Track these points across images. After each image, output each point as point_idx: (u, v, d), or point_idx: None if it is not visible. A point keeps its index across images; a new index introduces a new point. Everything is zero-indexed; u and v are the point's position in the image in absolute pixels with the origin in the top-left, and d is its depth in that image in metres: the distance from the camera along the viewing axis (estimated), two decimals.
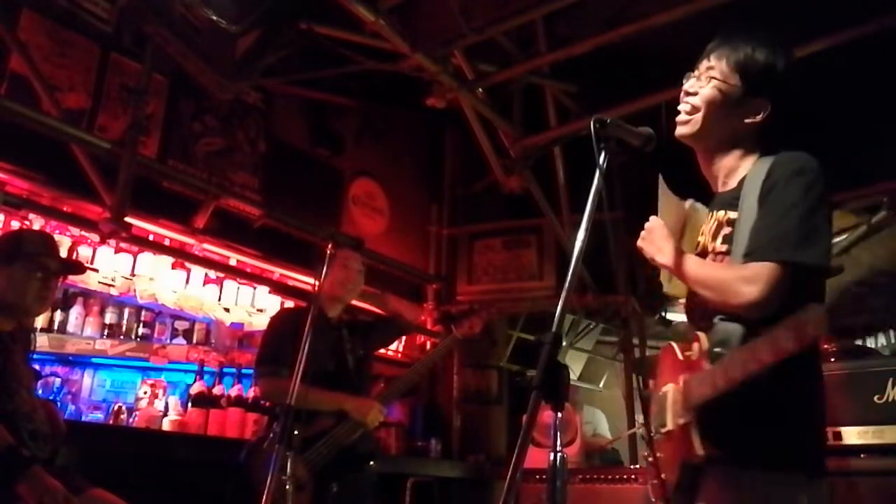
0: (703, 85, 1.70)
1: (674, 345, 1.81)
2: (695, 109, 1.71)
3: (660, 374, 1.84)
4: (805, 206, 1.50)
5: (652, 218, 1.76)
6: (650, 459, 1.76)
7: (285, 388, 2.29)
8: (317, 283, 2.58)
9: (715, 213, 1.73)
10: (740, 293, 1.49)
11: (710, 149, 1.75)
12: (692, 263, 1.65)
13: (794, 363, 1.40)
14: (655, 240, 1.71)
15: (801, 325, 1.32)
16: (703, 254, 1.73)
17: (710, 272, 1.60)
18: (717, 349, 1.55)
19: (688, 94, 1.73)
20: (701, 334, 1.61)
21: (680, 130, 1.75)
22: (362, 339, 3.35)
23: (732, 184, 1.70)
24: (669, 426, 1.65)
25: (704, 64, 1.72)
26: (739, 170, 1.70)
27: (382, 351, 5.23)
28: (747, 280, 1.48)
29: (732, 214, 1.65)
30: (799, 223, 1.48)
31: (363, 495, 3.05)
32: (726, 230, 1.66)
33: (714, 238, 1.69)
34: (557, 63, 4.53)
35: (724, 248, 1.64)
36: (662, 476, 1.68)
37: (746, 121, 1.68)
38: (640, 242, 1.75)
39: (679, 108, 1.75)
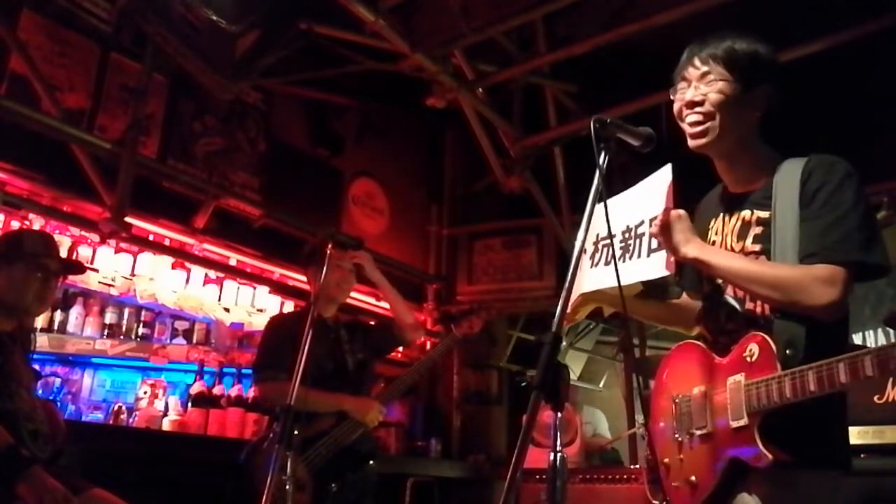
0: (706, 91, 1.66)
1: (699, 343, 1.78)
2: (708, 116, 1.67)
3: (679, 374, 1.80)
4: (861, 208, 1.53)
5: (676, 210, 1.67)
6: (653, 460, 1.75)
7: (285, 390, 2.28)
8: (317, 282, 2.58)
9: (738, 213, 1.71)
10: (817, 294, 1.48)
11: (729, 152, 1.72)
12: (737, 259, 1.61)
13: None
14: (684, 229, 1.63)
15: (888, 356, 1.31)
16: None
17: (771, 270, 1.55)
18: (788, 351, 1.52)
19: (694, 103, 1.68)
20: (766, 337, 1.55)
21: (698, 142, 1.69)
22: (362, 341, 3.33)
23: (758, 183, 1.69)
24: (709, 427, 1.63)
25: (694, 71, 1.69)
26: (763, 169, 1.69)
27: None
28: (825, 281, 1.48)
29: (762, 214, 1.64)
30: (860, 225, 1.51)
31: (363, 495, 3.04)
32: (757, 230, 1.64)
33: (741, 238, 1.67)
34: (557, 63, 4.53)
35: (756, 247, 1.63)
36: (677, 482, 1.67)
37: (757, 114, 1.69)
38: (657, 231, 1.66)
39: (687, 120, 1.70)
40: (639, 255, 1.76)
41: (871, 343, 5.62)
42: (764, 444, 1.48)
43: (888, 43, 3.66)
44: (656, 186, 1.75)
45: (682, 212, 1.67)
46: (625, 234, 1.82)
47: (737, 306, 1.68)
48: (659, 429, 1.82)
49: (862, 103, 4.22)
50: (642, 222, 1.77)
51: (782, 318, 1.57)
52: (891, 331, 5.51)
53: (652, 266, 1.71)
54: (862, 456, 2.80)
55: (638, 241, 1.78)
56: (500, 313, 5.63)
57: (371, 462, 3.12)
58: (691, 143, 1.71)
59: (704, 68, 1.68)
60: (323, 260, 2.60)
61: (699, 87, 1.68)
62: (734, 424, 1.55)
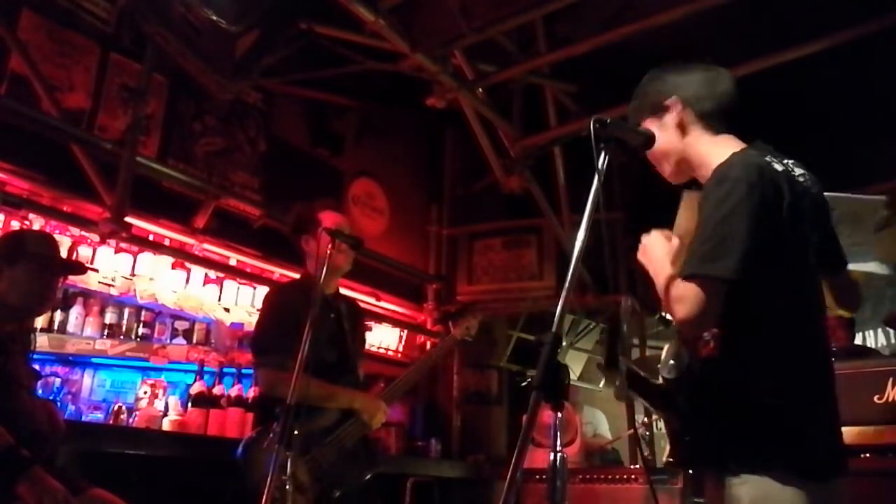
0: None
1: None
2: (656, 163, 1.80)
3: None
4: (717, 216, 1.50)
5: (653, 232, 1.73)
6: (653, 461, 1.77)
7: (290, 381, 2.23)
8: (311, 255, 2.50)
9: None
10: (674, 312, 1.52)
11: (687, 170, 1.79)
12: (661, 281, 1.63)
13: (766, 358, 1.50)
14: (651, 256, 1.70)
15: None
16: None
17: (663, 291, 1.59)
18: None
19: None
20: None
21: (673, 181, 1.82)
22: (361, 326, 3.22)
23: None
24: None
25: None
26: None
27: (382, 350, 5.25)
28: (676, 299, 1.51)
29: None
30: (710, 236, 1.50)
31: (366, 500, 2.93)
32: None
33: None
34: (557, 63, 4.53)
35: None
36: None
37: (677, 128, 1.74)
38: (639, 256, 1.73)
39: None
40: None
41: (871, 343, 5.63)
42: (670, 444, 1.52)
43: (888, 43, 3.66)
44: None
45: (656, 234, 1.72)
46: None
47: None
48: None
49: (862, 104, 4.23)
50: None
51: None
52: (891, 331, 5.52)
53: None
54: (862, 456, 2.79)
55: None
56: (497, 313, 5.62)
57: (377, 467, 2.97)
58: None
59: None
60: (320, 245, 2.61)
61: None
62: None
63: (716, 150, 1.66)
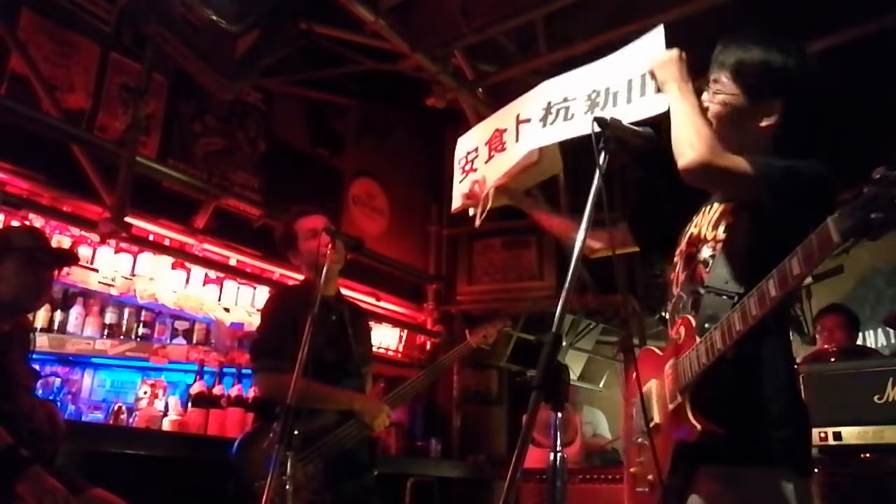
0: (710, 100, 1.69)
1: (652, 347, 1.82)
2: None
3: (639, 379, 1.83)
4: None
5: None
6: (631, 471, 1.75)
7: (289, 384, 2.21)
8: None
9: (720, 202, 1.72)
10: (696, 150, 1.54)
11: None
12: (689, 107, 1.62)
13: (779, 357, 1.51)
14: (676, 68, 1.67)
15: (784, 268, 1.32)
16: (694, 243, 1.73)
17: (700, 122, 1.59)
18: (706, 325, 1.53)
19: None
20: (689, 317, 1.60)
21: None
22: (365, 329, 3.20)
23: None
24: (657, 419, 1.64)
25: (711, 76, 1.71)
26: None
27: (382, 350, 5.25)
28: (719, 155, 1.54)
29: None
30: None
31: (366, 500, 2.91)
32: (730, 219, 1.66)
33: (715, 227, 1.68)
34: (557, 63, 4.53)
35: (723, 236, 1.65)
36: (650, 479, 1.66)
37: (761, 124, 1.67)
38: (654, 65, 1.71)
39: None
40: (614, 104, 1.82)
41: (871, 343, 5.63)
42: (693, 415, 1.49)
43: (888, 42, 3.66)
44: (647, 49, 1.79)
45: (677, 52, 1.70)
46: (591, 95, 1.92)
47: (700, 292, 1.66)
48: (629, 440, 1.83)
49: (862, 103, 4.22)
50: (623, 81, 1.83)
51: (709, 294, 1.58)
52: (891, 331, 5.52)
53: (644, 107, 1.74)
54: (862, 456, 2.79)
55: (611, 97, 1.84)
56: (514, 321, 5.57)
57: (374, 472, 2.95)
58: None
59: (714, 76, 1.71)
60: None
61: (708, 94, 1.71)
62: (671, 406, 1.58)
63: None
